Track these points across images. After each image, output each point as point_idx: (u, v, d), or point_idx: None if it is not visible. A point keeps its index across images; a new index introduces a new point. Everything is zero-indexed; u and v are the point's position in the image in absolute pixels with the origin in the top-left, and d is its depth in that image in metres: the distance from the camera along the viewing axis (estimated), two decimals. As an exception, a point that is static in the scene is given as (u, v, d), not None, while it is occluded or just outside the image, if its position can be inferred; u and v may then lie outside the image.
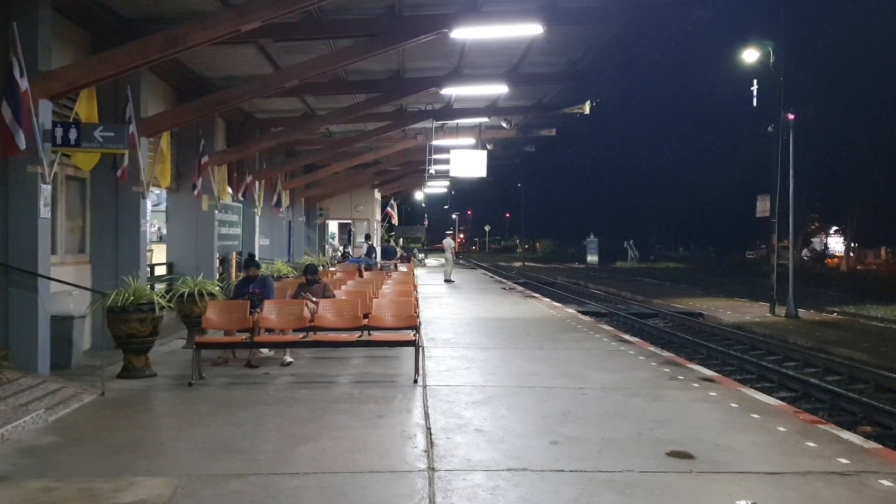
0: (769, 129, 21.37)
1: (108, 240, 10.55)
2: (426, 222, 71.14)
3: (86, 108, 8.91)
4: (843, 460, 5.50)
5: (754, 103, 24.71)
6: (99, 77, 8.26)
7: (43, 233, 8.06)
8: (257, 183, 18.24)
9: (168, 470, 5.23)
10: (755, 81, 23.91)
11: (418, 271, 28.94)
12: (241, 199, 17.04)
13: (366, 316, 9.30)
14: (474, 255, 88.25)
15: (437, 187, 36.37)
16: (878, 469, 5.33)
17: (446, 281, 26.26)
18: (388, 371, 9.04)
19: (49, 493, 4.75)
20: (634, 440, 6.03)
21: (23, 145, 7.46)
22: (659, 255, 73.59)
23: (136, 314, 8.31)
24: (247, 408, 7.10)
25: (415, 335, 8.73)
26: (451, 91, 15.92)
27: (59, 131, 8.18)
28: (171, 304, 9.58)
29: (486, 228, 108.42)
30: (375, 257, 25.98)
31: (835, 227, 54.51)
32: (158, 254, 14.28)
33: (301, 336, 8.90)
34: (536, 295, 22.22)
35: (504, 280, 30.96)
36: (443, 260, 31.15)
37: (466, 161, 19.87)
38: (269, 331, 9.19)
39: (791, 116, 20.48)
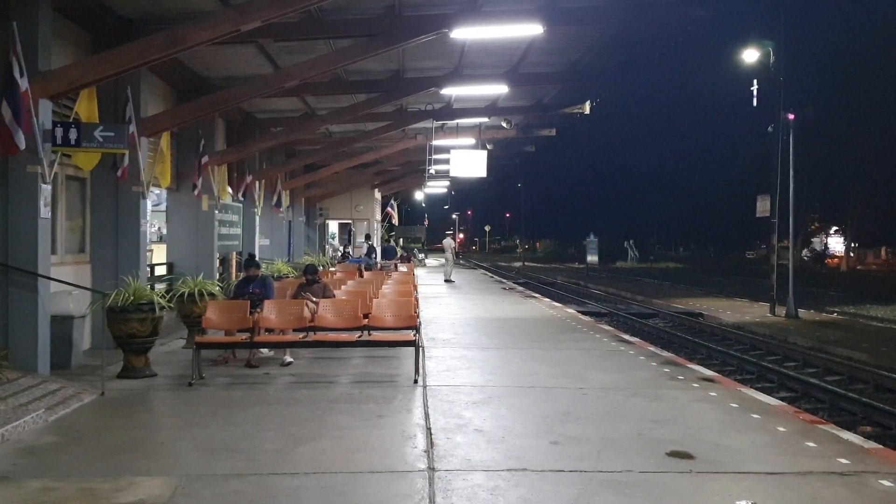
0: (769, 129, 21.38)
1: (108, 240, 10.54)
2: (426, 222, 71.14)
3: (86, 107, 8.90)
4: (843, 460, 5.50)
5: (754, 103, 24.72)
6: (99, 77, 8.25)
7: (43, 233, 8.06)
8: (257, 183, 18.24)
9: (168, 470, 5.23)
10: (755, 81, 23.91)
11: (418, 271, 28.93)
12: (241, 199, 17.04)
13: (366, 316, 9.30)
14: (474, 255, 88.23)
15: (437, 187, 36.38)
16: (878, 469, 5.33)
17: (446, 281, 26.26)
18: (388, 371, 9.04)
19: (49, 493, 4.75)
20: (634, 440, 6.03)
21: (22, 145, 7.45)
22: (659, 256, 73.61)
23: (136, 314, 8.31)
24: (247, 408, 7.09)
25: (415, 335, 8.73)
26: (451, 91, 15.92)
27: (59, 131, 8.18)
28: (171, 304, 9.57)
29: (487, 228, 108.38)
30: (375, 257, 25.98)
31: (835, 227, 54.55)
32: (158, 254, 14.28)
33: (301, 336, 8.90)
34: (536, 295, 22.22)
35: (504, 280, 30.95)
36: (443, 260, 31.16)
37: (466, 161, 19.87)
38: (269, 331, 9.19)
39: (791, 116, 20.49)
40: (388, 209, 36.67)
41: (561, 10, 11.09)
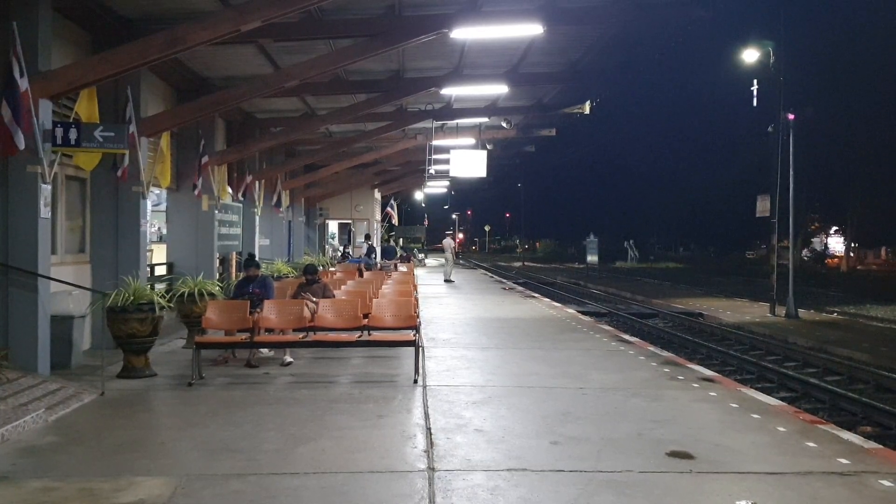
0: (769, 129, 21.36)
1: (108, 240, 10.54)
2: (426, 222, 71.06)
3: (86, 107, 8.90)
4: (843, 460, 5.50)
5: (754, 103, 24.68)
6: (99, 77, 8.25)
7: (43, 233, 8.06)
8: (257, 183, 18.24)
9: (168, 470, 5.23)
10: (755, 81, 23.88)
11: (418, 271, 28.94)
12: (241, 199, 17.04)
13: (366, 316, 9.30)
14: (474, 255, 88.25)
15: (437, 187, 36.38)
16: (878, 469, 5.33)
17: (446, 281, 26.26)
18: (388, 371, 9.04)
19: (49, 492, 4.75)
20: (634, 440, 6.03)
21: (22, 145, 7.46)
22: (659, 255, 73.61)
23: (136, 314, 8.31)
24: (247, 408, 7.09)
25: (415, 335, 8.73)
26: (451, 91, 15.92)
27: (59, 131, 8.18)
28: (171, 304, 9.58)
29: (486, 228, 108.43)
30: (375, 257, 25.98)
31: (835, 227, 54.56)
32: (158, 254, 14.29)
33: (301, 336, 8.90)
34: (536, 295, 22.22)
35: (504, 280, 30.96)
36: (443, 260, 31.16)
37: (466, 161, 19.87)
38: (269, 331, 9.19)
39: (791, 116, 20.49)
40: (388, 209, 36.66)
41: (561, 10, 11.09)
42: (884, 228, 46.30)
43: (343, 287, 12.04)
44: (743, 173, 45.43)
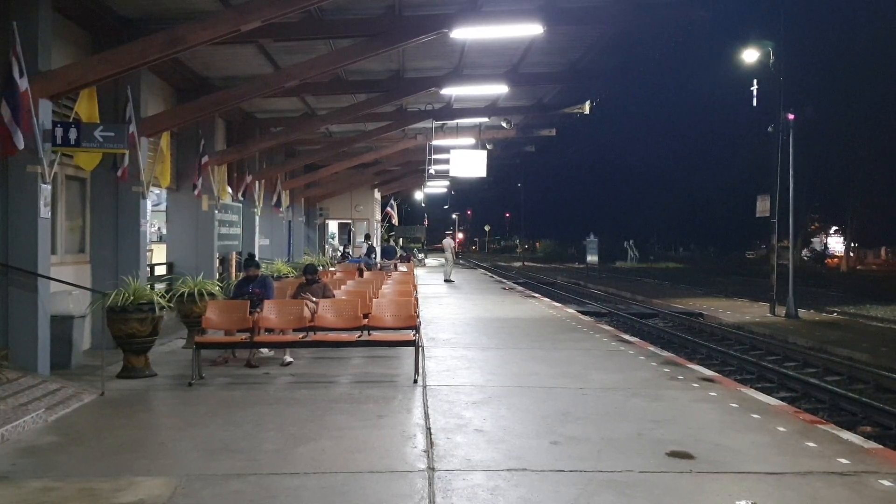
0: (769, 129, 21.36)
1: (108, 240, 10.55)
2: (426, 222, 71.10)
3: (86, 107, 8.90)
4: (843, 460, 5.50)
5: (754, 103, 24.68)
6: (99, 77, 8.25)
7: (43, 233, 8.06)
8: (257, 183, 18.24)
9: (168, 470, 5.23)
10: (755, 81, 23.88)
11: (418, 271, 28.94)
12: (241, 199, 17.04)
13: (366, 316, 9.30)
14: (474, 255, 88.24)
15: (437, 187, 36.38)
16: (878, 469, 5.33)
17: (446, 281, 26.26)
18: (388, 371, 9.04)
19: (49, 492, 4.75)
20: (634, 440, 6.03)
21: (21, 145, 7.45)
22: (659, 256, 73.65)
23: (136, 314, 8.31)
24: (247, 408, 7.09)
25: (415, 335, 8.73)
26: (451, 91, 15.93)
27: (59, 131, 8.18)
28: (171, 304, 9.57)
29: (486, 228, 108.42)
30: (375, 257, 25.98)
31: (835, 227, 54.58)
32: (158, 254, 14.29)
33: (301, 336, 8.90)
34: (536, 295, 22.22)
35: (504, 280, 30.95)
36: (442, 260, 31.16)
37: (466, 161, 19.88)
38: (269, 331, 9.19)
39: (791, 116, 20.48)
40: (388, 209, 36.65)
41: (561, 10, 11.09)
42: (883, 228, 46.34)
43: (343, 287, 12.04)
44: (743, 173, 45.49)
